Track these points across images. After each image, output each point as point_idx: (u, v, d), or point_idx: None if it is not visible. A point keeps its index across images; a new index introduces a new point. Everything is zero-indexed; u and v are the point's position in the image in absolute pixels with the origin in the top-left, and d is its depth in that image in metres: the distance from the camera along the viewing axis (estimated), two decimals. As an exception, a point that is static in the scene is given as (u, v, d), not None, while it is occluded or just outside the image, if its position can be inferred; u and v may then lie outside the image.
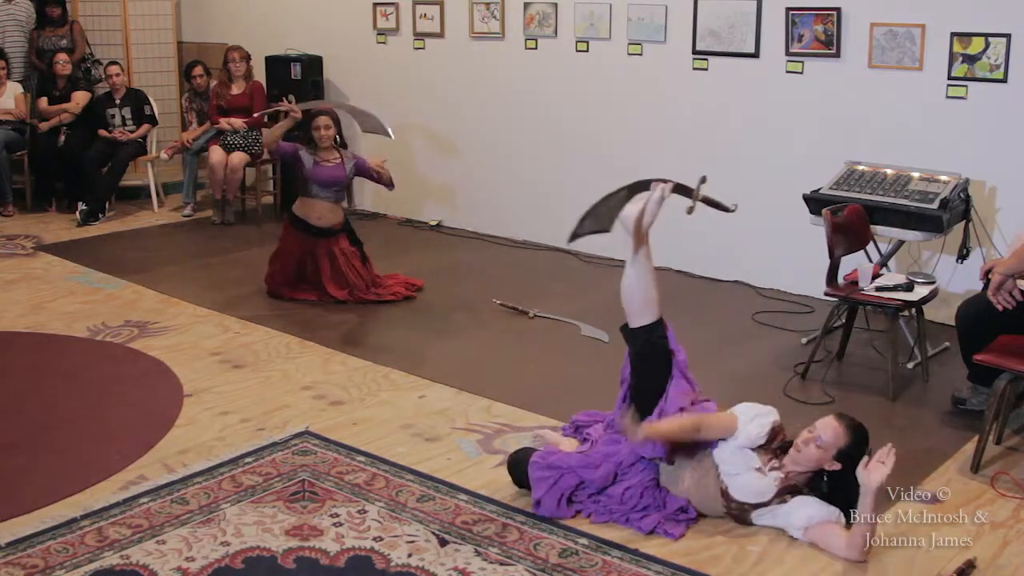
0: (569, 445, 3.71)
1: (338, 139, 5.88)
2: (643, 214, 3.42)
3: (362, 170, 5.87)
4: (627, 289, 3.47)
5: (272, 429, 4.03)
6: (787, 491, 3.25)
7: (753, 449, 3.28)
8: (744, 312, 5.53)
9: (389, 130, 6.29)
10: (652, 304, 3.45)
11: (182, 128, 8.07)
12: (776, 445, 3.30)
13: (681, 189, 3.50)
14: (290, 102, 6.69)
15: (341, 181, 5.77)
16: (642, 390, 3.44)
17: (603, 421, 3.69)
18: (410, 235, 7.22)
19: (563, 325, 5.24)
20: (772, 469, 3.26)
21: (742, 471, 3.25)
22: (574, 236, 3.48)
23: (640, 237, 3.43)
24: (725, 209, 3.63)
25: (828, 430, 3.20)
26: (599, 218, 3.50)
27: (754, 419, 3.30)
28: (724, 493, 3.27)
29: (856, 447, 3.19)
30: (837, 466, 3.19)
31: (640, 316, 3.45)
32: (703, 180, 3.44)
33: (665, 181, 3.45)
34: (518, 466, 3.44)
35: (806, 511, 3.21)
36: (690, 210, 3.42)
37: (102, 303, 5.62)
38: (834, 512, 3.21)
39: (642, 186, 3.50)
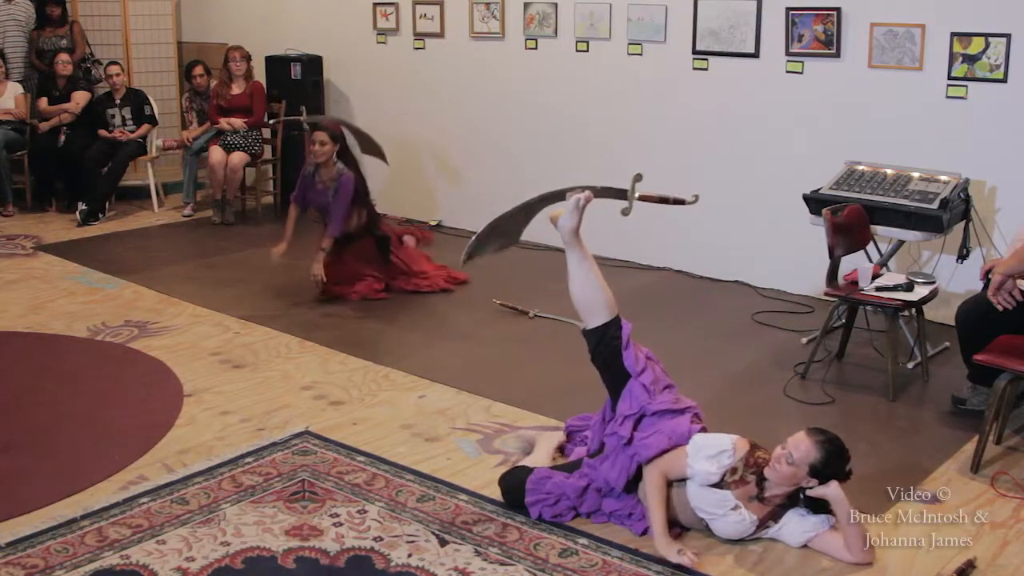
0: (548, 444, 3.76)
1: (335, 158, 5.65)
2: (560, 219, 3.41)
3: (341, 194, 5.58)
4: (572, 292, 3.45)
5: (272, 429, 4.03)
6: (770, 518, 3.21)
7: (724, 486, 3.19)
8: (744, 312, 5.53)
9: (386, 157, 6.33)
10: (600, 305, 3.40)
11: (182, 128, 8.07)
12: (752, 472, 3.19)
13: (611, 192, 3.42)
14: (301, 113, 6.74)
15: (326, 207, 5.62)
16: (610, 390, 3.44)
17: (594, 424, 3.67)
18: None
19: (563, 325, 5.24)
20: (752, 499, 3.19)
21: (718, 515, 3.19)
22: (470, 257, 3.40)
23: (568, 239, 3.42)
24: (681, 202, 3.48)
25: (798, 446, 3.10)
26: (506, 234, 3.46)
27: (705, 459, 3.18)
28: (708, 528, 3.26)
29: (828, 461, 3.10)
30: (814, 482, 3.12)
31: (591, 317, 3.42)
32: (638, 178, 3.37)
33: (584, 189, 3.39)
34: (511, 491, 3.42)
35: (798, 529, 3.19)
36: (625, 211, 3.36)
37: (102, 303, 5.62)
38: (824, 521, 3.19)
39: (557, 196, 3.44)
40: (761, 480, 3.18)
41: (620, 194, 3.42)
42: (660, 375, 3.42)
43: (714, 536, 3.25)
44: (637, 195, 3.40)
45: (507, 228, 3.48)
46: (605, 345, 3.39)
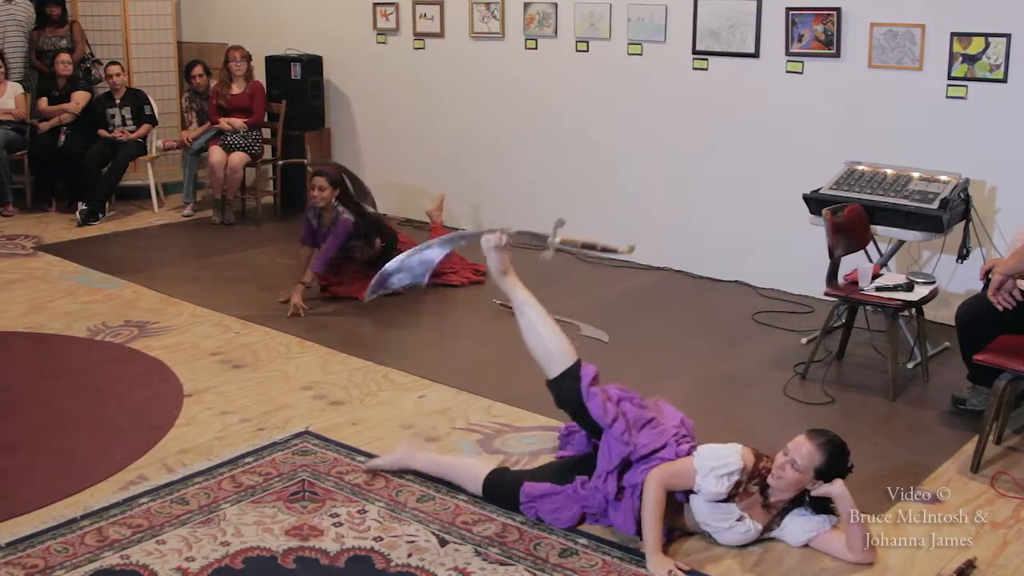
0: (410, 449, 3.70)
1: (335, 201, 5.59)
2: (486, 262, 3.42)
3: (333, 236, 5.55)
4: (525, 342, 3.42)
5: (272, 429, 4.03)
6: (773, 522, 3.21)
7: (729, 498, 3.17)
8: (744, 312, 5.53)
9: (376, 205, 6.32)
10: (553, 352, 3.35)
11: (182, 128, 8.07)
12: (756, 482, 3.18)
13: (530, 236, 3.38)
14: (305, 158, 6.78)
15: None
16: (588, 433, 3.45)
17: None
18: (410, 235, 7.21)
19: (563, 325, 5.20)
20: (758, 507, 3.19)
21: (723, 528, 3.19)
22: (374, 292, 3.47)
23: (499, 281, 3.42)
24: (611, 251, 3.44)
25: (801, 451, 3.09)
26: (416, 274, 3.47)
27: (715, 479, 3.14)
28: (712, 537, 3.25)
29: (831, 463, 3.10)
30: (819, 483, 3.12)
31: (550, 367, 3.38)
32: (559, 224, 3.32)
33: (497, 231, 3.37)
34: (499, 495, 3.41)
35: (800, 529, 3.19)
36: (545, 258, 3.34)
37: (102, 303, 5.62)
38: (825, 521, 3.19)
39: (474, 237, 3.45)
40: (765, 488, 3.18)
41: (540, 239, 3.37)
42: (635, 416, 3.32)
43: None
44: (558, 239, 3.35)
45: (417, 268, 3.47)
46: (564, 396, 3.37)
